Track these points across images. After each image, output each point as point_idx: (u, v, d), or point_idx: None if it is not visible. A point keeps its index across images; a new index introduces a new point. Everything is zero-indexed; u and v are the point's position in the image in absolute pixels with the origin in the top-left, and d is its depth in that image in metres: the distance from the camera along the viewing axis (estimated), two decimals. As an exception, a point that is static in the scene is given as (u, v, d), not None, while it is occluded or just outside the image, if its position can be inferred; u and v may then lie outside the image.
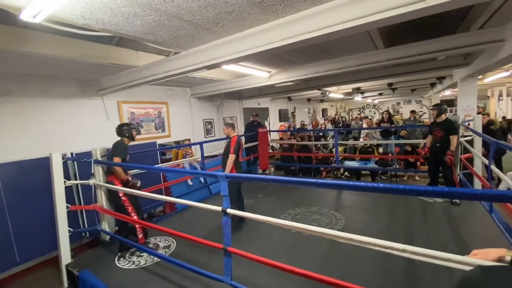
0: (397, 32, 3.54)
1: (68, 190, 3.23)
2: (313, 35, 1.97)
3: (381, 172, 6.38)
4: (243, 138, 6.45)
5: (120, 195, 3.04)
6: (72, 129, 4.03)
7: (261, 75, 4.57)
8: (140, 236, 3.13)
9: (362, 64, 3.85)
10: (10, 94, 3.43)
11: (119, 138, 3.15)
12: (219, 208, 2.04)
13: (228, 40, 2.45)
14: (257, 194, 4.93)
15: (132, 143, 3.39)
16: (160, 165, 4.81)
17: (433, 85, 8.45)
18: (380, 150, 6.74)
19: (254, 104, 8.83)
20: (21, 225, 3.18)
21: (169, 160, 5.53)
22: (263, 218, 1.84)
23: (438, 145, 3.99)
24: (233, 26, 2.21)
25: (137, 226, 3.06)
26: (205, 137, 6.70)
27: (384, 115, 7.20)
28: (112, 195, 3.17)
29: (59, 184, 3.01)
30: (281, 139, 6.98)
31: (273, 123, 10.05)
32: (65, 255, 3.03)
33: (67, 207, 3.09)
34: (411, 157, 5.95)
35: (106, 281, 2.55)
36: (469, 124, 4.22)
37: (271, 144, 7.53)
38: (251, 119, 7.07)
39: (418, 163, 6.03)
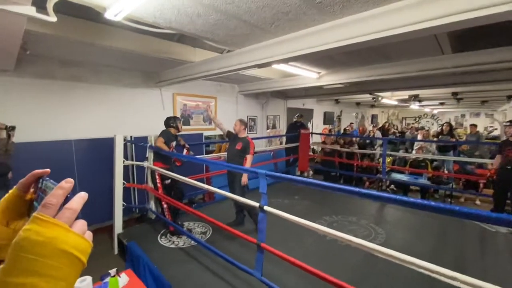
0: (470, 36, 3.15)
1: (125, 169, 3.63)
2: (371, 38, 1.87)
3: (433, 190, 5.77)
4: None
5: (157, 181, 3.33)
6: (132, 115, 4.50)
7: (309, 76, 4.50)
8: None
9: (423, 70, 3.52)
10: (87, 81, 3.98)
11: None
12: (256, 204, 2.09)
13: (281, 40, 2.47)
14: (293, 195, 4.90)
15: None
16: (203, 156, 5.10)
17: (510, 97, 7.29)
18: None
19: (298, 104, 8.71)
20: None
21: (213, 151, 5.81)
22: (299, 220, 1.84)
23: (510, 167, 3.47)
24: (287, 26, 2.22)
25: (165, 213, 3.31)
26: (247, 133, 6.85)
27: (444, 127, 6.46)
28: (152, 179, 3.49)
29: (119, 162, 3.42)
30: (323, 142, 6.79)
31: (316, 125, 9.81)
32: (118, 226, 3.43)
33: (123, 183, 3.49)
34: (472, 177, 5.26)
35: (148, 254, 2.82)
36: (554, 147, 3.57)
37: (312, 146, 7.37)
38: (294, 120, 7.00)
39: (481, 184, 5.31)
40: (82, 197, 0.41)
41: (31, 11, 1.67)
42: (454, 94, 6.83)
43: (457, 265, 2.75)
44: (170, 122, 3.51)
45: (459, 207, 1.14)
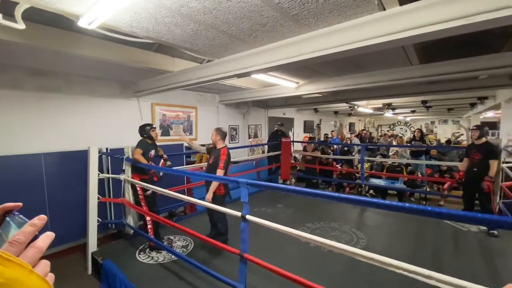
0: (435, 48, 3.40)
1: (100, 182, 3.46)
2: (344, 49, 1.96)
3: (409, 193, 6.03)
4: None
5: (139, 193, 3.20)
6: (109, 126, 4.34)
7: (288, 86, 4.61)
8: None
9: (394, 79, 3.73)
10: (60, 91, 3.80)
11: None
12: (238, 214, 2.07)
13: (259, 50, 2.53)
14: (276, 204, 4.90)
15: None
16: (184, 167, 4.98)
17: (473, 105, 7.90)
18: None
19: (279, 113, 8.87)
20: (57, 210, 3.45)
21: (194, 162, 5.71)
22: (281, 228, 1.84)
23: (475, 169, 3.72)
24: (265, 37, 2.28)
25: (148, 227, 3.17)
26: (229, 143, 6.84)
27: (416, 133, 6.85)
28: (134, 192, 3.35)
29: (93, 176, 3.25)
30: (304, 150, 6.91)
31: (297, 133, 9.99)
32: (92, 243, 3.23)
33: (98, 198, 3.31)
34: (443, 179, 5.56)
35: (126, 272, 2.67)
36: (513, 150, 3.89)
37: (293, 154, 7.47)
38: (275, 129, 7.10)
39: (445, 185, 5.55)
40: (49, 236, 0.39)
41: (-4, 17, 1.59)
42: (424, 102, 7.29)
43: (433, 264, 2.85)
44: (142, 132, 3.37)
45: (431, 208, 1.20)
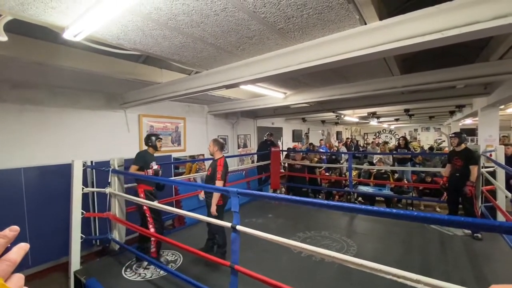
0: (414, 60, 3.58)
1: (84, 197, 3.33)
2: (328, 61, 2.04)
3: (396, 199, 6.15)
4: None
5: (144, 207, 3.07)
6: (94, 139, 4.23)
7: (276, 96, 4.69)
8: (153, 250, 3.05)
9: (377, 89, 3.87)
10: (42, 104, 3.69)
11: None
12: (228, 224, 2.04)
13: (247, 62, 2.57)
14: (267, 214, 4.87)
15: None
16: (173, 178, 4.90)
17: (452, 113, 8.28)
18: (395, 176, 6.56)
19: (268, 123, 8.95)
20: (37, 228, 3.28)
21: (182, 173, 5.62)
22: (272, 237, 1.82)
23: (458, 174, 3.85)
24: (253, 49, 2.33)
25: (152, 239, 3.04)
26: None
27: (400, 141, 7.08)
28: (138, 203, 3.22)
29: (77, 191, 3.13)
30: (293, 159, 6.95)
31: (286, 143, 10.08)
32: (75, 262, 3.07)
33: (82, 213, 3.19)
34: (428, 185, 5.72)
35: (111, 291, 2.55)
36: (490, 155, 4.07)
37: (283, 163, 7.50)
38: (265, 138, 7.13)
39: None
40: (22, 248, 0.37)
41: (-23, 29, 1.55)
42: (406, 110, 7.57)
43: (422, 268, 2.89)
44: (148, 141, 3.28)
45: (417, 212, 1.23)
